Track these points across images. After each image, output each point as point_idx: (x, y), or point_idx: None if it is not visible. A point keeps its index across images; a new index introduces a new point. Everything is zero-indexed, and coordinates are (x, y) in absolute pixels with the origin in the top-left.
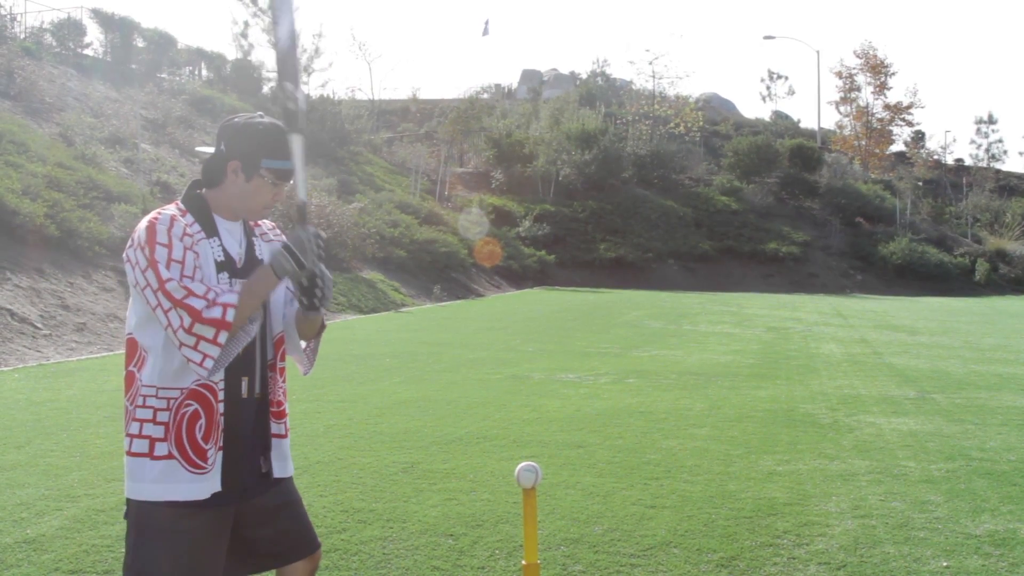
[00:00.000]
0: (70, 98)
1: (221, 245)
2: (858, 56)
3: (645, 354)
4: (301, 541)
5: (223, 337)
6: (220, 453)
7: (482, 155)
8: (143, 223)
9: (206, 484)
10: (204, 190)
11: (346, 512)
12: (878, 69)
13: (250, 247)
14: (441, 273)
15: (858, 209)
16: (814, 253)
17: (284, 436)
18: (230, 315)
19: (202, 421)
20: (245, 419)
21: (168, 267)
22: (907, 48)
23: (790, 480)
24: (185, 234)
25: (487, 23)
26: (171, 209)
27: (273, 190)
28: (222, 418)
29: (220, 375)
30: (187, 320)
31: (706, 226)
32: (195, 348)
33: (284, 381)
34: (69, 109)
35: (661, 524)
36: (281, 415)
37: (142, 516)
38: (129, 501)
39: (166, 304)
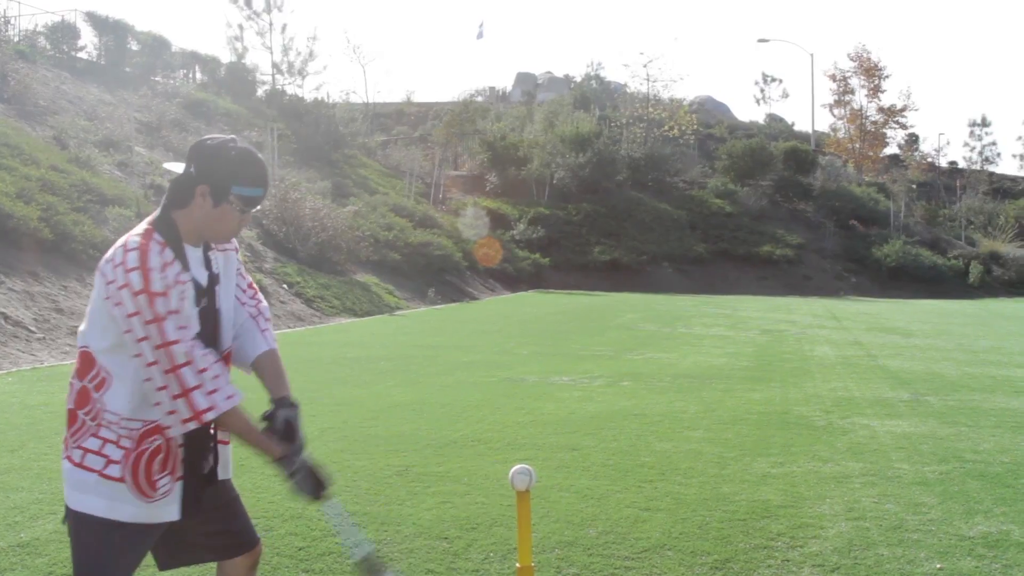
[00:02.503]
0: (64, 101)
1: (192, 277)
2: (852, 59)
3: (639, 357)
4: (241, 538)
5: (193, 425)
6: (179, 483)
7: (476, 158)
8: (131, 259)
9: (155, 510)
10: (173, 211)
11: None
12: (872, 72)
13: (208, 265)
14: (435, 276)
15: (852, 212)
16: (808, 256)
17: (228, 443)
18: (208, 416)
19: (162, 456)
20: (202, 439)
21: (175, 325)
22: (901, 51)
23: (784, 482)
24: (177, 281)
25: (481, 26)
26: (154, 246)
27: (240, 217)
28: (181, 449)
29: None
30: (175, 389)
31: (700, 229)
32: (167, 414)
33: None
34: (63, 112)
35: (655, 527)
36: None
37: (80, 525)
38: (69, 510)
39: (165, 364)
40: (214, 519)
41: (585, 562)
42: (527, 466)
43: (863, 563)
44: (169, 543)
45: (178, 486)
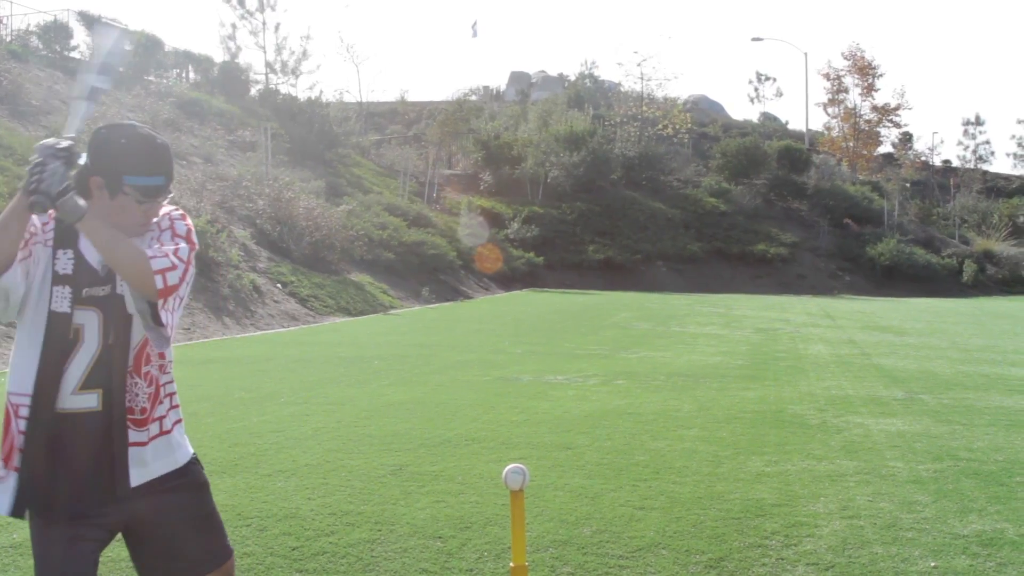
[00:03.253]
0: (57, 101)
1: (74, 258)
2: (846, 58)
3: (634, 356)
4: (201, 555)
5: None
6: (14, 475)
7: (470, 157)
8: None
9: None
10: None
11: (334, 515)
12: (865, 71)
13: None
14: (430, 275)
15: (846, 210)
16: (802, 254)
17: (144, 444)
18: None
19: None
20: (85, 433)
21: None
22: (894, 50)
23: (778, 481)
24: (29, 232)
25: (475, 25)
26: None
27: (141, 208)
28: (21, 436)
29: (24, 388)
30: None
31: (695, 228)
32: None
33: (152, 384)
34: (56, 112)
35: (650, 525)
36: (143, 422)
37: None
38: None
39: None
40: (161, 535)
41: (579, 561)
42: (521, 465)
43: (857, 561)
44: (143, 563)
45: (13, 477)
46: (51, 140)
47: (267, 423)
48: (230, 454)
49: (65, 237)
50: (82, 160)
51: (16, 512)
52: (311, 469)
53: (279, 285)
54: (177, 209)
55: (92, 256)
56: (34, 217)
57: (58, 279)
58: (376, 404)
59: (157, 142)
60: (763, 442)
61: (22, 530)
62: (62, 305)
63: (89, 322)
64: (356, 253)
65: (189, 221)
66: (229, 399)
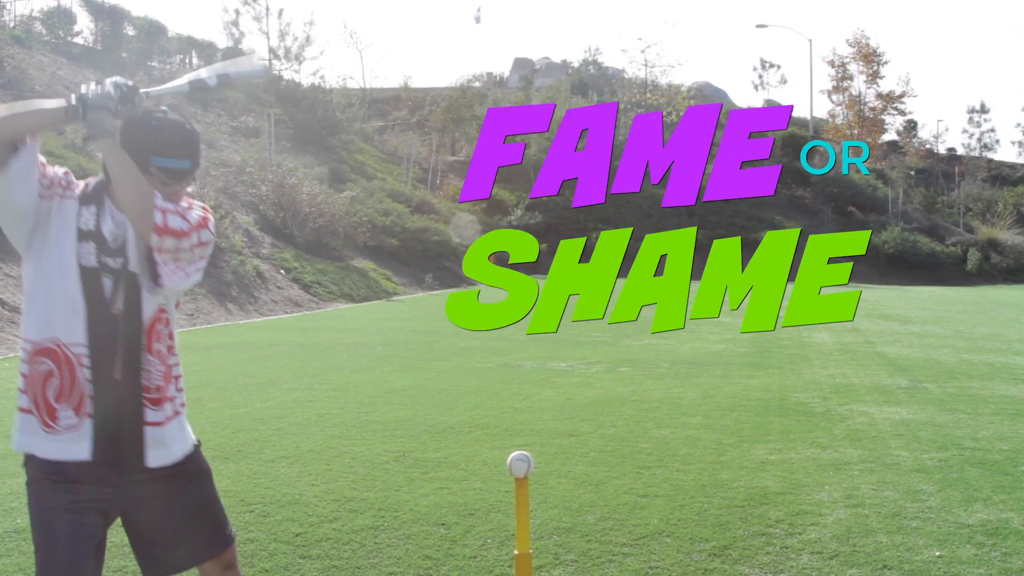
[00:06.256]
0: (60, 87)
1: (97, 217)
2: (851, 45)
3: (637, 343)
4: (200, 543)
5: None
6: (89, 421)
7: (474, 143)
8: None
9: (62, 445)
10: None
11: (337, 501)
12: (870, 58)
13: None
14: (433, 262)
15: (850, 198)
16: (806, 242)
17: (161, 424)
18: None
19: (57, 382)
20: (112, 399)
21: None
22: (900, 37)
23: (783, 469)
24: (63, 184)
25: (479, 11)
26: (79, 182)
27: (165, 190)
28: (89, 385)
29: (79, 339)
30: None
31: (698, 215)
32: None
33: (165, 363)
34: (59, 98)
35: (653, 513)
36: (159, 401)
37: (25, 468)
38: None
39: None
40: (165, 518)
41: (583, 548)
42: (525, 452)
43: (862, 550)
44: (142, 550)
45: (88, 423)
46: (123, 79)
47: (270, 409)
48: (233, 440)
49: (94, 197)
50: (138, 103)
51: (97, 457)
52: (314, 455)
53: (282, 271)
54: (204, 206)
55: (107, 228)
56: (59, 170)
57: (82, 235)
58: (379, 390)
59: (187, 127)
60: (767, 430)
61: (25, 516)
62: (89, 260)
63: (106, 286)
64: (359, 239)
65: (211, 216)
66: (232, 385)
